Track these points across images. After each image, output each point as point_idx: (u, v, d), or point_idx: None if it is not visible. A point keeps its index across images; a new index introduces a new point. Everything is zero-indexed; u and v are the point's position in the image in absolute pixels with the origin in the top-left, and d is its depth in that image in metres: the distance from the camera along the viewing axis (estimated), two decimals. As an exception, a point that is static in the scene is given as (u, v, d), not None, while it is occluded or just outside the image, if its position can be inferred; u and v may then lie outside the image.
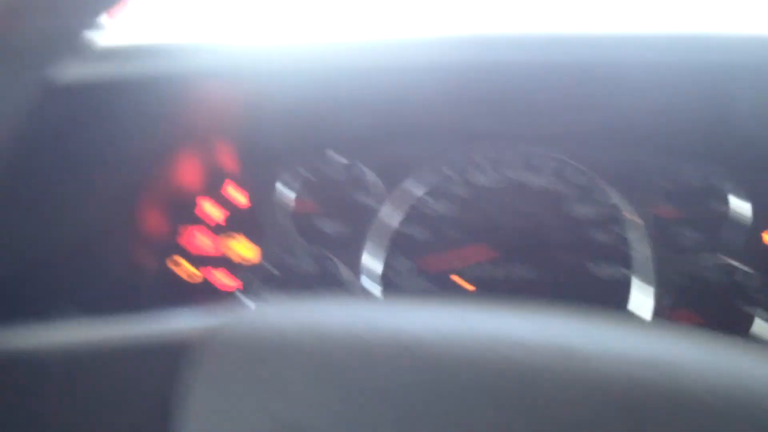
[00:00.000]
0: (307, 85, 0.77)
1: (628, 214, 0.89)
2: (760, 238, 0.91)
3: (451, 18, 0.79)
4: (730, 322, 0.88)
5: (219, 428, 0.37)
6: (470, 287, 0.89)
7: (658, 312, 0.89)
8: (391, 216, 0.89)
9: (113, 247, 0.85)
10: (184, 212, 0.91)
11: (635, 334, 0.38)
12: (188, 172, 0.89)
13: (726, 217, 0.90)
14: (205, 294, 0.91)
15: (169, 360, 0.39)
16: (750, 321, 0.88)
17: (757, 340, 0.88)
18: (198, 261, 0.91)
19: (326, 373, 0.37)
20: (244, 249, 0.90)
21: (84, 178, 0.77)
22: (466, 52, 0.71)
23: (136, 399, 0.39)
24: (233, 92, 0.81)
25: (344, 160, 0.89)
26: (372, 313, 0.41)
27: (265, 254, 0.90)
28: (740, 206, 0.89)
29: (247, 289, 0.91)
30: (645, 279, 0.90)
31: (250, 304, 0.86)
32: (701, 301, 0.89)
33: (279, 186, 0.89)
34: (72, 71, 0.65)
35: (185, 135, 0.86)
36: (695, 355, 0.36)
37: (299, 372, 0.38)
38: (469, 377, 0.36)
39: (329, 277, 0.91)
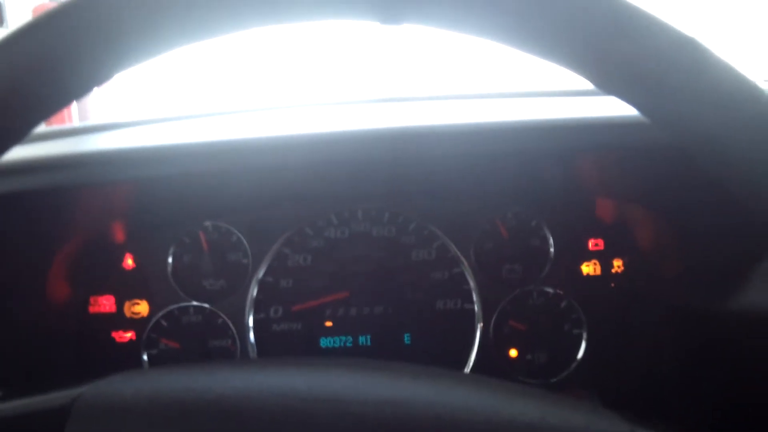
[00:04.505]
0: (186, 178, 0.91)
1: (455, 253, 1.08)
2: (579, 270, 1.11)
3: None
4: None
5: None
6: (328, 323, 1.06)
7: (494, 332, 1.07)
8: (260, 271, 1.07)
9: (27, 319, 0.99)
10: (93, 283, 1.07)
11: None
12: (93, 250, 1.06)
13: (544, 252, 1.09)
14: (110, 351, 1.06)
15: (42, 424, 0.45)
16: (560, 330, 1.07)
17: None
18: (105, 324, 1.07)
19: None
20: (137, 307, 1.07)
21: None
22: (323, 151, 0.86)
23: None
24: (124, 192, 0.95)
25: (220, 227, 1.08)
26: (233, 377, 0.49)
27: (153, 309, 1.07)
28: (552, 242, 1.09)
29: (140, 341, 1.06)
30: (478, 307, 1.08)
31: (144, 356, 1.02)
32: (524, 319, 1.08)
33: (165, 252, 1.07)
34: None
35: (87, 222, 1.03)
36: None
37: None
38: None
39: (211, 325, 1.07)
